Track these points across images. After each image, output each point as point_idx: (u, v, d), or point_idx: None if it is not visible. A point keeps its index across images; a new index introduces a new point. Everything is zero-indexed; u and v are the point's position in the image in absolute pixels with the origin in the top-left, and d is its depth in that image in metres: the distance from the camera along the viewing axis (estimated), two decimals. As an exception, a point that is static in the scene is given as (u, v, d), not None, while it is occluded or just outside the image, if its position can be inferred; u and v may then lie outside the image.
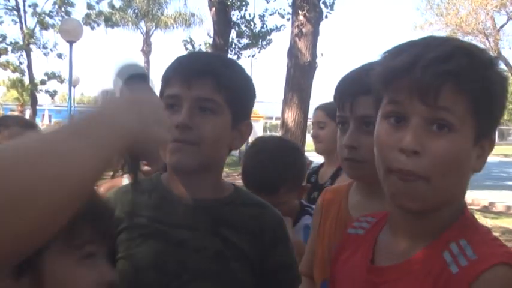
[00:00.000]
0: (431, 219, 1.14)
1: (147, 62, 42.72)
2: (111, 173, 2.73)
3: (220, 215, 1.44)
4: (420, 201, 1.09)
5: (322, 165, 3.54)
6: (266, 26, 16.53)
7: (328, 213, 1.75)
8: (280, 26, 16.60)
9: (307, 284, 1.74)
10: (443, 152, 1.06)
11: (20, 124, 2.23)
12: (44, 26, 24.12)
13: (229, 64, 1.48)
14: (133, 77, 1.15)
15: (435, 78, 1.05)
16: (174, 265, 1.39)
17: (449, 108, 1.06)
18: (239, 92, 1.43)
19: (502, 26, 31.89)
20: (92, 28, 24.83)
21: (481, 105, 1.08)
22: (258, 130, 44.07)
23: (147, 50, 42.90)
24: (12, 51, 24.32)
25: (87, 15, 24.11)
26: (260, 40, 16.78)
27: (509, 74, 35.62)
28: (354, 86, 1.57)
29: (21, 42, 23.92)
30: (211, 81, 1.37)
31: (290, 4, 12.62)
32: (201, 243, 1.41)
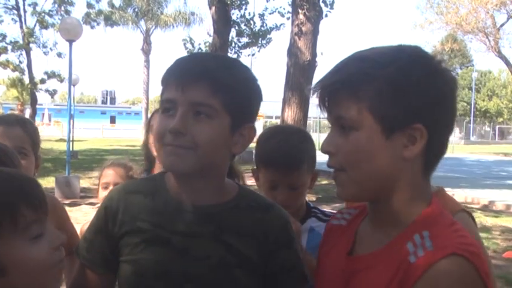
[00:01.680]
0: (385, 207, 1.27)
1: (147, 61, 42.73)
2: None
3: (224, 221, 1.41)
4: (344, 189, 1.28)
5: None
6: (266, 25, 16.55)
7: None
8: (280, 25, 16.62)
9: None
10: (347, 148, 1.24)
11: (20, 123, 2.21)
12: (44, 25, 24.14)
13: (229, 66, 1.40)
14: None
15: (323, 91, 1.27)
16: (177, 273, 1.37)
17: (342, 112, 1.24)
18: (239, 95, 1.36)
19: (502, 25, 31.95)
20: (92, 27, 24.86)
21: (374, 103, 1.21)
22: (257, 129, 44.04)
23: (146, 49, 42.90)
24: (12, 50, 24.34)
25: (87, 14, 24.14)
26: (260, 39, 16.79)
27: (510, 73, 35.61)
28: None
29: (21, 41, 23.94)
30: (206, 85, 1.32)
31: (290, 3, 12.62)
32: (205, 252, 1.38)
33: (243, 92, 1.39)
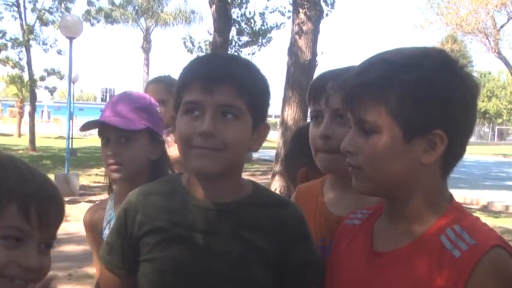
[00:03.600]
0: (404, 206, 1.31)
1: (147, 59, 42.71)
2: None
3: (241, 218, 1.44)
4: (361, 185, 1.32)
5: None
6: (266, 24, 16.55)
7: (305, 210, 1.80)
8: (281, 24, 16.62)
9: None
10: (367, 150, 1.27)
11: None
12: (44, 22, 24.08)
13: (248, 67, 1.46)
14: None
15: (347, 92, 1.29)
16: (198, 270, 1.39)
17: (364, 115, 1.26)
18: (259, 96, 1.44)
19: (502, 26, 31.88)
20: (92, 25, 24.81)
21: (397, 107, 1.23)
22: (257, 128, 43.94)
23: (146, 47, 42.92)
24: (12, 47, 24.29)
25: (87, 12, 24.08)
26: (260, 38, 16.78)
27: (510, 74, 35.64)
28: (332, 83, 1.67)
29: (21, 38, 23.89)
30: (233, 87, 1.36)
31: (291, 2, 12.61)
32: (224, 248, 1.40)
33: (263, 93, 1.47)
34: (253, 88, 1.40)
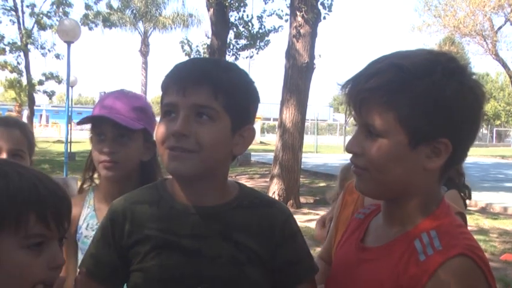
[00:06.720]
0: (398, 207, 1.34)
1: (145, 62, 42.74)
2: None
3: (229, 220, 1.43)
4: (365, 186, 1.34)
5: None
6: (264, 27, 16.55)
7: (346, 205, 1.88)
8: (278, 27, 16.65)
9: (322, 268, 1.79)
10: (372, 153, 1.28)
11: (19, 126, 2.22)
12: (42, 27, 24.10)
13: (228, 69, 1.43)
14: None
15: (356, 94, 1.29)
16: (190, 276, 1.38)
17: (372, 120, 1.26)
18: (238, 97, 1.40)
19: (499, 28, 31.96)
20: (90, 29, 24.82)
21: (406, 115, 1.24)
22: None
23: (144, 50, 42.95)
24: (10, 52, 24.29)
25: (85, 16, 24.10)
26: (258, 41, 16.78)
27: (507, 76, 35.72)
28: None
29: (19, 43, 23.90)
30: (207, 88, 1.35)
31: (288, 5, 12.63)
32: (215, 251, 1.40)
33: (242, 94, 1.42)
34: (230, 89, 1.38)
